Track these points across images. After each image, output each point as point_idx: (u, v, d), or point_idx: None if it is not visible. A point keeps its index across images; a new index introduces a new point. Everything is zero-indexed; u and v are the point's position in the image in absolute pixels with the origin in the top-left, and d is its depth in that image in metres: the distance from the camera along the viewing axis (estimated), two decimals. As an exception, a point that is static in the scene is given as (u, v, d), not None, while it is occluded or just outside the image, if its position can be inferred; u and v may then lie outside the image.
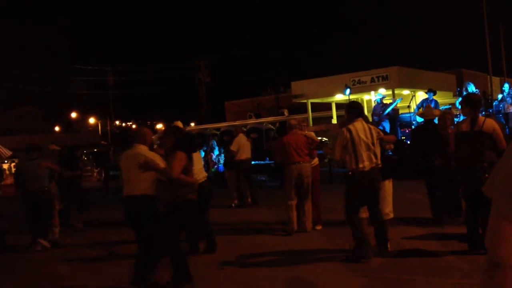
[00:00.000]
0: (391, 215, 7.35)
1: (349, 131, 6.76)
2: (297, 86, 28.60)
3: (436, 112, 9.24)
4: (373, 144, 6.83)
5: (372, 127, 7.00)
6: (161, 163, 6.10)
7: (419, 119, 18.22)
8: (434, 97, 18.35)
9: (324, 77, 27.63)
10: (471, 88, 17.08)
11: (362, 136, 6.78)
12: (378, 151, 6.93)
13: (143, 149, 6.20)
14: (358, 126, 6.85)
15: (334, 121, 27.99)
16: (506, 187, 1.23)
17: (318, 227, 9.31)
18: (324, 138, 26.36)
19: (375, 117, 18.89)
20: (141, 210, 6.05)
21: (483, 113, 16.26)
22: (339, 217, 10.29)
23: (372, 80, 25.16)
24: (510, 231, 1.21)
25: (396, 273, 6.14)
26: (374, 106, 19.44)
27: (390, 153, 17.00)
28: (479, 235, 6.54)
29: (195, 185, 6.54)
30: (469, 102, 6.90)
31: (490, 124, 6.64)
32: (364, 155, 6.74)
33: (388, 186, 7.32)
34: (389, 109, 18.16)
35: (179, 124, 8.34)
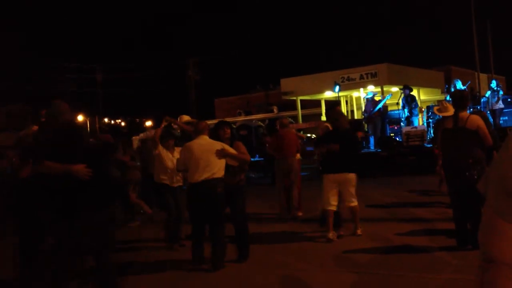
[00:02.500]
0: None
1: None
2: (286, 83, 28.63)
3: (451, 108, 9.16)
4: None
5: None
6: (231, 150, 6.93)
7: (401, 115, 18.37)
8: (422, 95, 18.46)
9: (314, 74, 27.66)
10: (459, 85, 17.22)
11: None
12: None
13: (209, 139, 6.98)
14: None
15: (324, 118, 28.06)
16: (500, 183, 1.25)
17: (300, 214, 10.24)
18: (313, 135, 26.45)
19: (365, 114, 18.99)
20: (219, 191, 6.77)
21: (471, 109, 16.36)
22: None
23: (361, 77, 25.26)
24: (504, 228, 1.23)
25: (387, 269, 6.18)
26: (366, 104, 19.54)
27: (379, 150, 17.16)
28: (467, 230, 6.61)
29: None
30: (453, 99, 7.07)
31: (474, 121, 6.65)
32: None
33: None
34: (379, 105, 18.29)
35: (188, 117, 8.42)
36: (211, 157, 6.73)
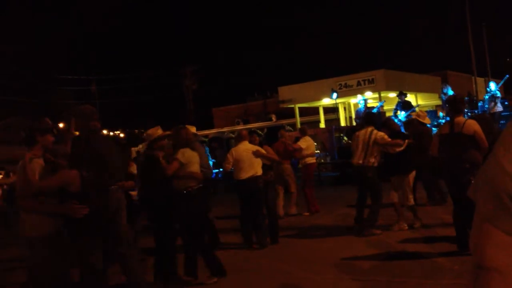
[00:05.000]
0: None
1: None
2: (284, 91, 28.70)
3: (426, 119, 10.58)
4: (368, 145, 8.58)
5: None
6: (263, 152, 8.67)
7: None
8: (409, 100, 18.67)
9: (311, 81, 27.74)
10: (449, 91, 17.32)
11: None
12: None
13: (249, 144, 8.63)
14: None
15: (322, 125, 28.10)
16: (489, 189, 1.25)
17: (306, 214, 11.46)
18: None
19: (357, 120, 19.06)
20: (260, 186, 8.41)
21: (469, 114, 16.40)
22: (324, 219, 10.38)
23: (359, 84, 25.35)
24: (493, 233, 1.23)
25: (388, 276, 6.18)
26: (357, 110, 19.61)
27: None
28: (467, 235, 6.59)
29: None
30: (448, 104, 7.12)
31: (471, 126, 6.64)
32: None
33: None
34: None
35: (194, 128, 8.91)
36: (252, 158, 8.34)
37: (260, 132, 27.30)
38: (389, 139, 8.63)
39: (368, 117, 9.43)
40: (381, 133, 8.68)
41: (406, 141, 8.78)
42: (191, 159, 6.73)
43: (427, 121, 10.48)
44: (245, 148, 8.48)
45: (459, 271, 6.00)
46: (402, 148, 8.60)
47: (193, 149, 6.94)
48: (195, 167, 6.78)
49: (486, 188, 1.26)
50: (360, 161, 8.61)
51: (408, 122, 12.08)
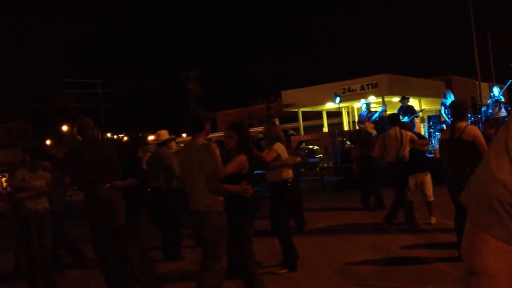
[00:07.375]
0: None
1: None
2: (287, 95, 28.72)
3: (372, 130, 12.58)
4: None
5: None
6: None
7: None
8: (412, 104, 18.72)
9: (314, 85, 27.75)
10: (451, 96, 17.31)
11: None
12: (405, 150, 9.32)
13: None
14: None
15: (325, 129, 28.10)
16: (480, 195, 1.25)
17: None
18: (315, 147, 26.46)
19: (359, 124, 19.03)
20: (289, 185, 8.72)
21: (472, 119, 16.36)
22: (327, 224, 10.36)
23: (362, 88, 25.35)
24: (485, 239, 1.23)
25: (388, 281, 6.16)
26: (360, 114, 19.59)
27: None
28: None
29: None
30: (450, 110, 7.13)
31: (471, 131, 6.60)
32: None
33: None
34: (374, 117, 18.30)
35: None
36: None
37: (293, 132, 27.27)
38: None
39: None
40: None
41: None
42: (285, 153, 7.41)
43: (373, 131, 12.27)
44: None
45: (459, 276, 5.97)
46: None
47: (283, 144, 7.69)
48: None
49: (478, 194, 1.26)
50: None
51: (358, 132, 13.45)
